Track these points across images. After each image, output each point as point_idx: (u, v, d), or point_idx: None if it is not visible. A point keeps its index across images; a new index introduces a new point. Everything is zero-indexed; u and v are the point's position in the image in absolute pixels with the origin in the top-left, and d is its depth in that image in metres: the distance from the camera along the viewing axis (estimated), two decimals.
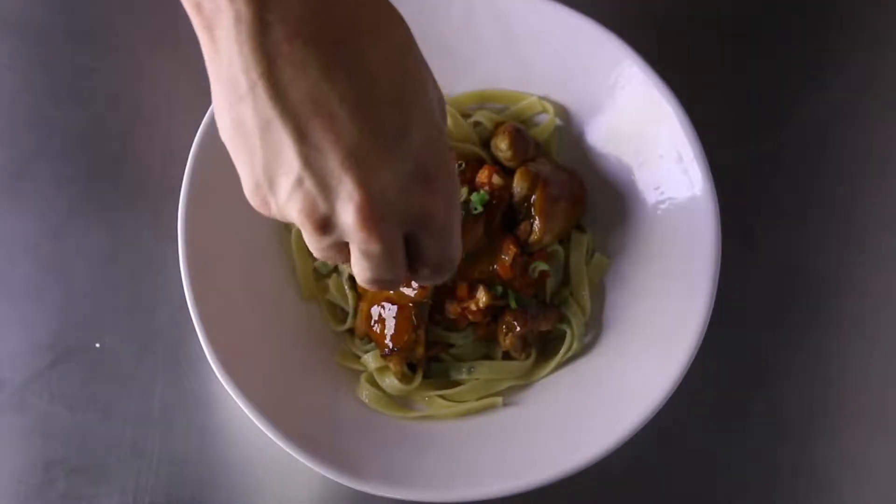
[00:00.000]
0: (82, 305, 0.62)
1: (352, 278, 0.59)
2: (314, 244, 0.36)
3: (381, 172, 0.33)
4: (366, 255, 0.35)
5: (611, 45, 0.57)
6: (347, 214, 0.33)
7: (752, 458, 0.59)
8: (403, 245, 0.36)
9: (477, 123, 0.61)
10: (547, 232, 0.57)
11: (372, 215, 0.33)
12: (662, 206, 0.57)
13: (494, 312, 0.57)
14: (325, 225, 0.34)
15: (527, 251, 0.57)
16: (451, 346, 0.58)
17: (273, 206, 0.35)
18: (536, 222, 0.57)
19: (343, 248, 0.36)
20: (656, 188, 0.57)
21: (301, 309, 0.59)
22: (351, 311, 0.59)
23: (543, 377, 0.57)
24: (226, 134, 0.34)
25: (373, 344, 0.58)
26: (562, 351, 0.57)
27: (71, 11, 0.68)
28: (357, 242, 0.34)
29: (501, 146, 0.58)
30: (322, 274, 0.60)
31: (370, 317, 0.56)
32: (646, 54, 0.56)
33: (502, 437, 0.54)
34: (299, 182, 0.33)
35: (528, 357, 0.58)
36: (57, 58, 0.67)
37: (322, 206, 0.33)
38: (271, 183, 0.34)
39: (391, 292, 0.55)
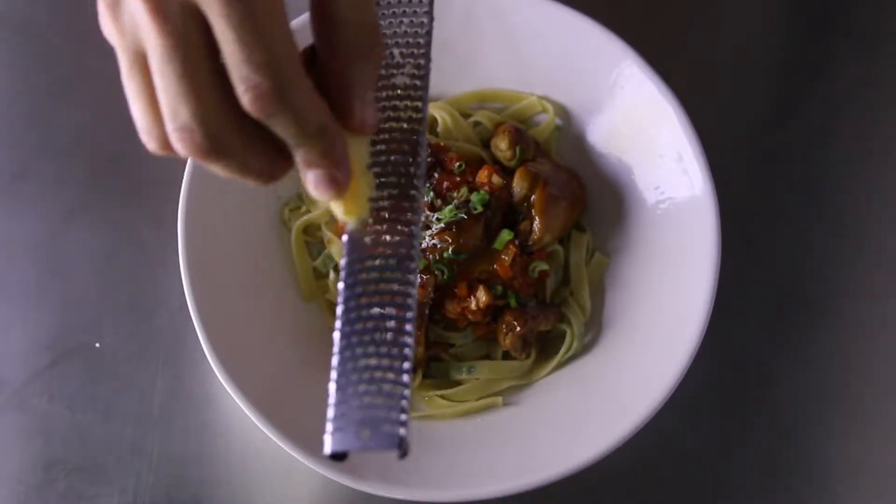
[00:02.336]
0: (82, 305, 0.62)
1: None
2: (112, 38, 0.31)
3: None
4: (151, 54, 0.29)
5: (611, 45, 0.57)
6: None
7: (752, 458, 0.59)
8: (204, 42, 0.29)
9: (477, 123, 0.61)
10: (547, 232, 0.57)
11: None
12: (662, 206, 0.57)
13: (494, 312, 0.57)
14: (114, 4, 0.30)
15: (527, 251, 0.57)
16: (451, 345, 0.58)
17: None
18: (536, 222, 0.57)
19: (145, 67, 0.30)
20: (656, 188, 0.57)
21: (301, 309, 0.59)
22: None
23: (543, 377, 0.57)
24: None
25: None
26: (562, 351, 0.57)
27: (71, 11, 0.67)
28: (141, 26, 0.29)
29: (501, 146, 0.58)
30: (322, 273, 0.60)
31: None
32: (646, 54, 0.56)
33: (502, 437, 0.54)
34: None
35: (528, 357, 0.58)
36: (57, 58, 0.67)
37: None
38: None
39: None
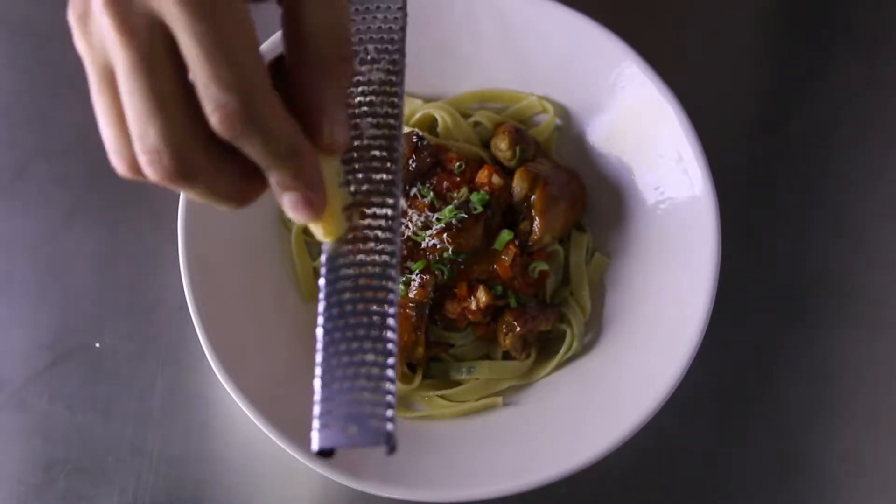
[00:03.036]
0: (82, 305, 0.62)
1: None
2: (82, 52, 0.30)
3: None
4: (121, 67, 0.28)
5: (611, 45, 0.57)
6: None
7: (752, 458, 0.59)
8: (172, 69, 0.28)
9: (477, 123, 0.61)
10: (547, 232, 0.57)
11: None
12: (662, 206, 0.57)
13: (494, 312, 0.57)
14: (84, 14, 0.30)
15: (527, 251, 0.57)
16: (452, 345, 0.58)
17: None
18: (536, 222, 0.57)
19: (114, 84, 0.29)
20: (656, 188, 0.57)
21: (301, 309, 0.59)
22: None
23: (543, 377, 0.57)
24: None
25: None
26: (562, 351, 0.57)
27: None
28: (108, 41, 0.28)
29: (501, 146, 0.58)
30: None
31: None
32: (646, 54, 0.56)
33: (502, 437, 0.54)
34: None
35: (528, 357, 0.58)
36: (57, 58, 0.67)
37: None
38: None
39: None
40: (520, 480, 0.50)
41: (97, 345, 0.61)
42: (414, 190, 0.58)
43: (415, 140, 0.57)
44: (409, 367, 0.57)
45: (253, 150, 0.29)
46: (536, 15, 0.58)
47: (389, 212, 0.34)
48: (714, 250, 0.53)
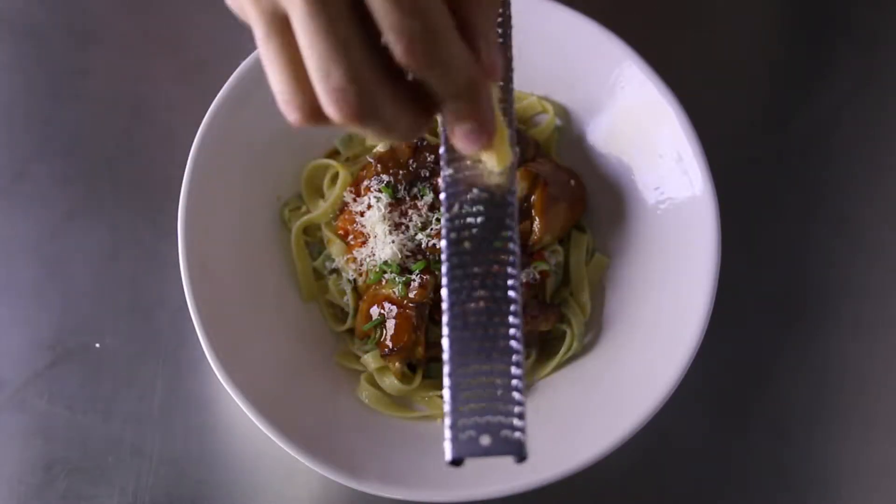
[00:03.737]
0: (82, 305, 0.62)
1: (352, 280, 0.59)
2: (249, 6, 0.29)
3: None
4: (296, 14, 0.28)
5: (611, 45, 0.57)
6: None
7: (753, 458, 0.59)
8: (350, 7, 0.28)
9: None
10: (547, 232, 0.57)
11: None
12: (662, 206, 0.57)
13: None
14: None
15: (527, 251, 0.57)
16: None
17: None
18: (536, 222, 0.57)
19: (286, 29, 0.29)
20: (656, 188, 0.57)
21: (301, 309, 0.59)
22: (351, 311, 0.59)
23: (543, 377, 0.57)
24: None
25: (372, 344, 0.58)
26: (562, 351, 0.57)
27: (71, 11, 0.68)
28: None
29: None
30: (322, 274, 0.60)
31: (370, 317, 0.56)
32: (646, 54, 0.56)
33: None
34: None
35: (528, 357, 0.58)
36: (57, 58, 0.67)
37: None
38: None
39: (392, 292, 0.55)
40: (519, 480, 0.50)
41: (97, 345, 0.61)
42: (414, 190, 0.58)
43: (415, 140, 0.57)
44: (409, 367, 0.57)
45: (435, 79, 0.29)
46: (537, 15, 0.57)
47: (508, 220, 0.34)
48: (714, 250, 0.53)
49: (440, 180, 0.33)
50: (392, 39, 0.28)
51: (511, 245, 0.34)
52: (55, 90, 0.66)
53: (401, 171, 0.58)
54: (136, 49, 0.67)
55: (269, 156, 0.59)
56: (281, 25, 0.29)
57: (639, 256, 0.58)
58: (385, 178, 0.57)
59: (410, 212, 0.56)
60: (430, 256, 0.55)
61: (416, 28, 0.28)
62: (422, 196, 0.57)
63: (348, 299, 0.59)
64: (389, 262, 0.55)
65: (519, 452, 0.31)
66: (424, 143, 0.57)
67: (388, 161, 0.58)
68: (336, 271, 0.59)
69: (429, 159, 0.57)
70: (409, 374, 0.57)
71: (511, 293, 0.33)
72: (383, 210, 0.56)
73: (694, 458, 0.60)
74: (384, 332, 0.55)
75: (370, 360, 0.57)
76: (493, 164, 0.34)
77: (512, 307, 0.33)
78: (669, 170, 0.56)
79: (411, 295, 0.55)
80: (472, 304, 0.33)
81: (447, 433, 0.32)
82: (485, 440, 0.31)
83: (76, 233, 0.63)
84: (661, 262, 0.57)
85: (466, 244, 0.34)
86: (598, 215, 0.60)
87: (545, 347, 0.59)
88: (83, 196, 0.64)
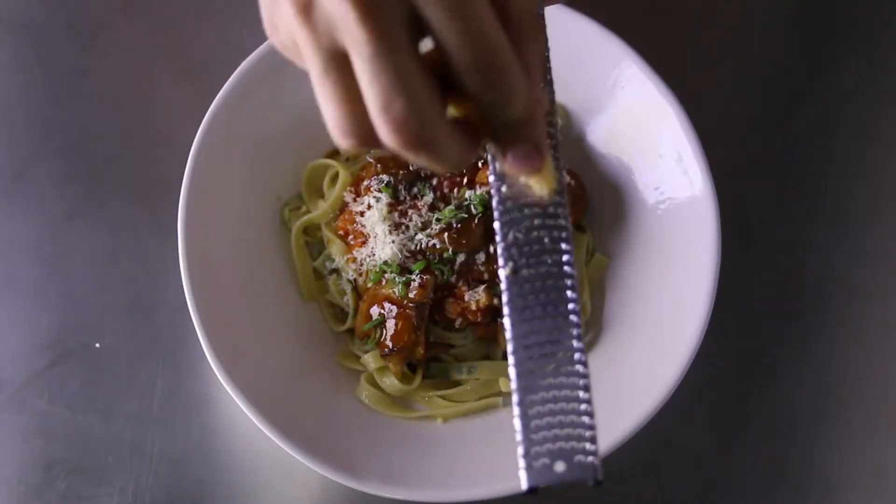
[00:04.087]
0: (82, 305, 0.62)
1: (352, 280, 0.59)
2: (303, 38, 0.30)
3: None
4: (359, 52, 0.29)
5: (611, 45, 0.57)
6: None
7: (753, 458, 0.59)
8: (409, 38, 0.29)
9: None
10: None
11: None
12: (662, 206, 0.57)
13: (494, 312, 0.57)
14: (307, 4, 0.30)
15: None
16: (452, 346, 0.58)
17: (272, 12, 0.32)
18: None
19: (343, 65, 0.30)
20: (656, 188, 0.57)
21: (301, 309, 0.59)
22: (351, 311, 0.59)
23: None
24: None
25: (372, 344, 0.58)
26: None
27: (71, 11, 0.68)
28: (344, 24, 0.29)
29: None
30: (322, 274, 0.60)
31: (370, 317, 0.56)
32: (646, 54, 0.56)
33: (502, 437, 0.54)
34: None
35: None
36: (57, 58, 0.67)
37: None
38: None
39: (392, 292, 0.55)
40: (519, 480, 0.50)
41: (97, 345, 0.61)
42: (414, 190, 0.58)
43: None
44: (409, 367, 0.57)
45: (498, 101, 0.30)
46: None
47: (563, 244, 0.34)
48: (714, 250, 0.53)
49: (494, 211, 0.34)
50: (459, 61, 0.29)
51: (567, 269, 0.34)
52: (55, 90, 0.66)
53: (401, 171, 0.58)
54: (136, 49, 0.67)
55: (269, 156, 0.59)
56: (339, 62, 0.30)
57: (639, 256, 0.58)
58: (385, 177, 0.57)
59: (410, 212, 0.56)
60: (431, 256, 0.55)
61: (482, 49, 0.29)
62: (422, 196, 0.57)
63: (348, 299, 0.59)
64: (389, 262, 0.55)
65: (594, 476, 0.31)
66: None
67: (388, 161, 0.58)
68: (336, 271, 0.59)
69: None
70: (409, 374, 0.57)
71: (573, 317, 0.33)
72: (383, 210, 0.56)
73: (694, 458, 0.60)
74: (384, 332, 0.55)
75: (370, 360, 0.57)
76: (540, 188, 0.34)
77: (574, 331, 0.33)
78: (669, 170, 0.56)
79: (411, 295, 0.55)
80: (535, 332, 0.33)
81: (521, 462, 0.32)
82: (559, 467, 0.32)
83: (76, 233, 0.63)
84: (661, 262, 0.57)
85: (524, 272, 0.34)
86: (598, 215, 0.60)
87: None
88: (83, 196, 0.64)
